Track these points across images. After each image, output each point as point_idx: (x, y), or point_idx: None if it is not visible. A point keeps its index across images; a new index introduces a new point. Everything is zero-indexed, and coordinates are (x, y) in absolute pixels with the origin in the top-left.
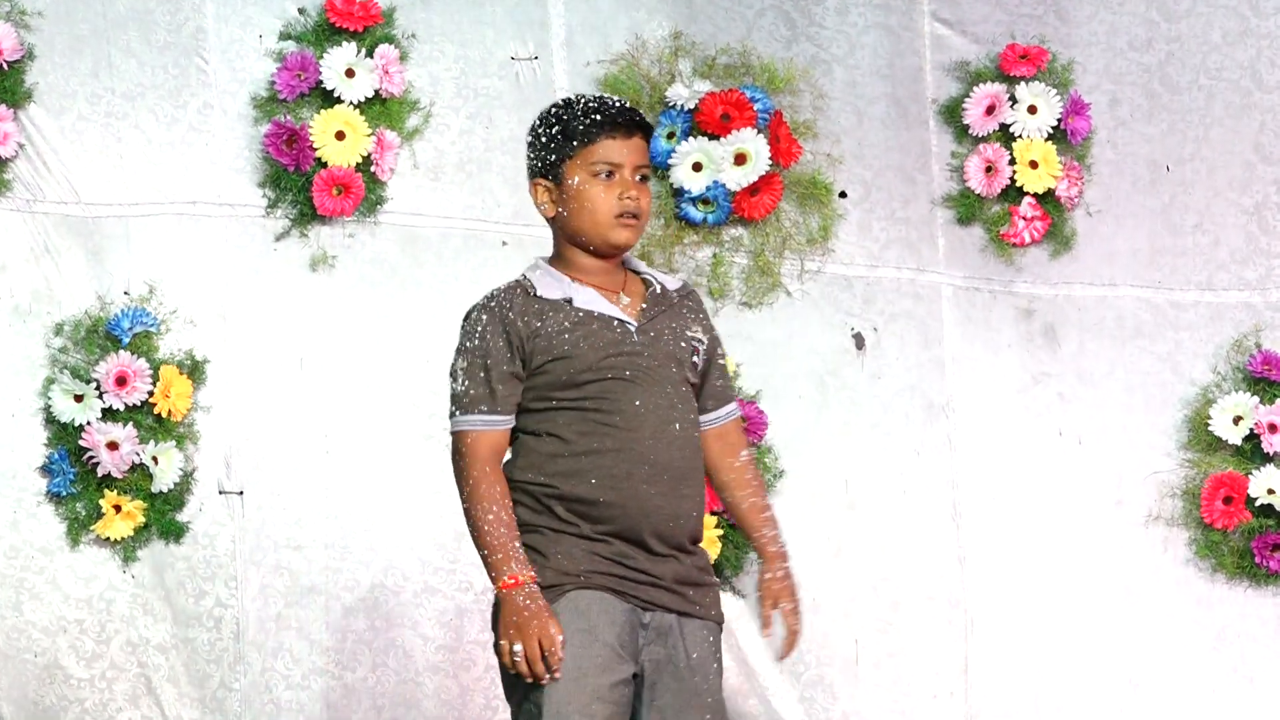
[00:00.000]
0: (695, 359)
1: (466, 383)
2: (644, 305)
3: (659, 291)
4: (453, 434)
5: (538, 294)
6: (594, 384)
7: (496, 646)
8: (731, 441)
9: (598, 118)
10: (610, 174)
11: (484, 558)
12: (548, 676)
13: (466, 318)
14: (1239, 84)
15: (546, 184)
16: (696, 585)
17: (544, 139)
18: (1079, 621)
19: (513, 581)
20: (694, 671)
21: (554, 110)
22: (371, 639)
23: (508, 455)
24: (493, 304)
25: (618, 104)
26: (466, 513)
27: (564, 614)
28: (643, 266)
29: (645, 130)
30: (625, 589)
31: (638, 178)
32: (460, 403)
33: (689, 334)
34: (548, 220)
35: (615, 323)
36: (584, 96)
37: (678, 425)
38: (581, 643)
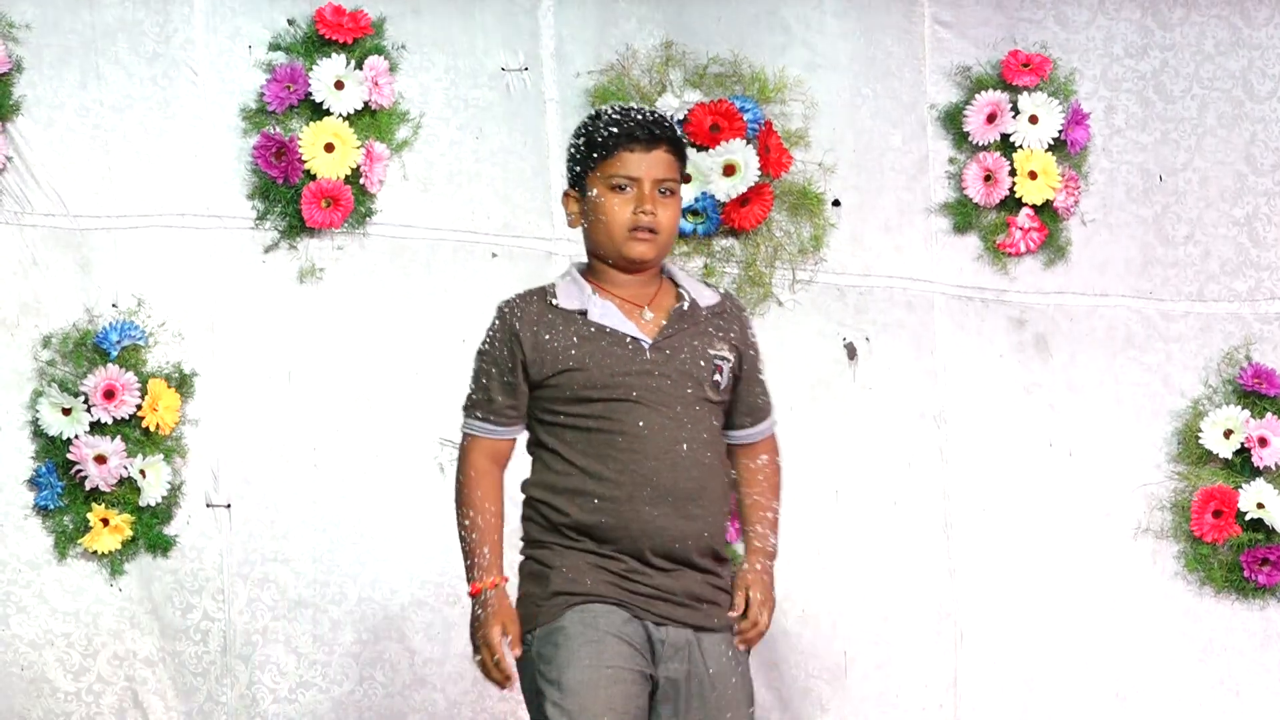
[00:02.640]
0: (717, 377)
1: (473, 385)
2: (664, 321)
3: (685, 308)
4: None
5: (555, 303)
6: (599, 403)
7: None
8: (758, 450)
9: (615, 130)
10: (628, 187)
11: (466, 552)
12: (507, 684)
13: (494, 316)
14: (1231, 94)
15: (574, 195)
16: (711, 601)
17: (573, 150)
18: (1068, 634)
19: (474, 590)
20: (714, 686)
21: (584, 122)
22: (359, 652)
23: (528, 472)
24: (507, 310)
25: (642, 115)
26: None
27: (573, 628)
28: (683, 279)
29: (672, 142)
30: (636, 603)
31: (659, 191)
32: (466, 404)
33: (711, 352)
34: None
35: (627, 340)
36: (613, 107)
37: (685, 446)
38: (591, 655)
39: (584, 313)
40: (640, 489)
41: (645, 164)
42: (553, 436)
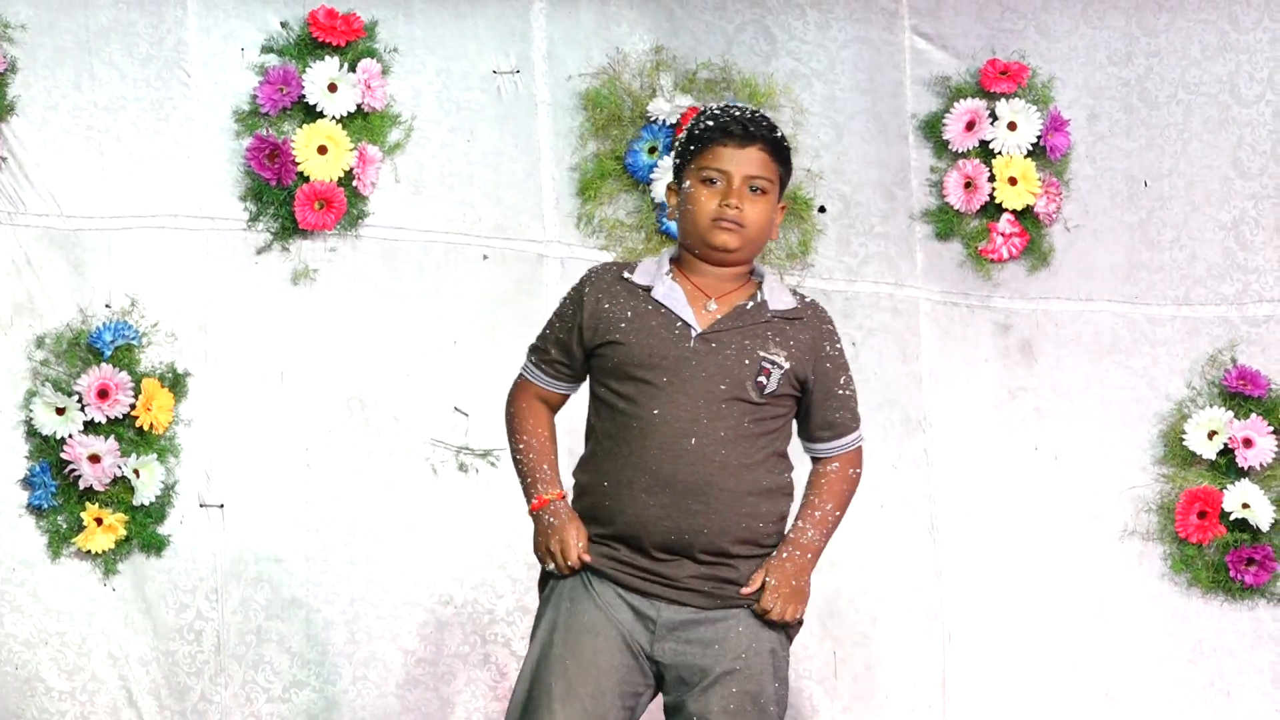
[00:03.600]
0: (762, 379)
1: (541, 331)
2: (722, 315)
3: (749, 306)
4: None
5: (629, 276)
6: (632, 382)
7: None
8: (832, 460)
9: (712, 124)
10: (716, 181)
11: (519, 472)
12: (574, 570)
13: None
14: (1217, 98)
15: (674, 188)
16: (720, 580)
17: (678, 146)
18: (1055, 635)
19: (537, 502)
20: (722, 661)
21: (693, 118)
22: (352, 652)
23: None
24: (588, 274)
25: (740, 112)
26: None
27: (564, 587)
28: (770, 283)
29: (768, 142)
30: (632, 583)
31: (750, 188)
32: (530, 346)
33: (761, 353)
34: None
35: (678, 323)
36: (716, 104)
37: (694, 440)
38: (570, 607)
39: (649, 289)
40: (639, 475)
41: (737, 160)
42: (594, 412)
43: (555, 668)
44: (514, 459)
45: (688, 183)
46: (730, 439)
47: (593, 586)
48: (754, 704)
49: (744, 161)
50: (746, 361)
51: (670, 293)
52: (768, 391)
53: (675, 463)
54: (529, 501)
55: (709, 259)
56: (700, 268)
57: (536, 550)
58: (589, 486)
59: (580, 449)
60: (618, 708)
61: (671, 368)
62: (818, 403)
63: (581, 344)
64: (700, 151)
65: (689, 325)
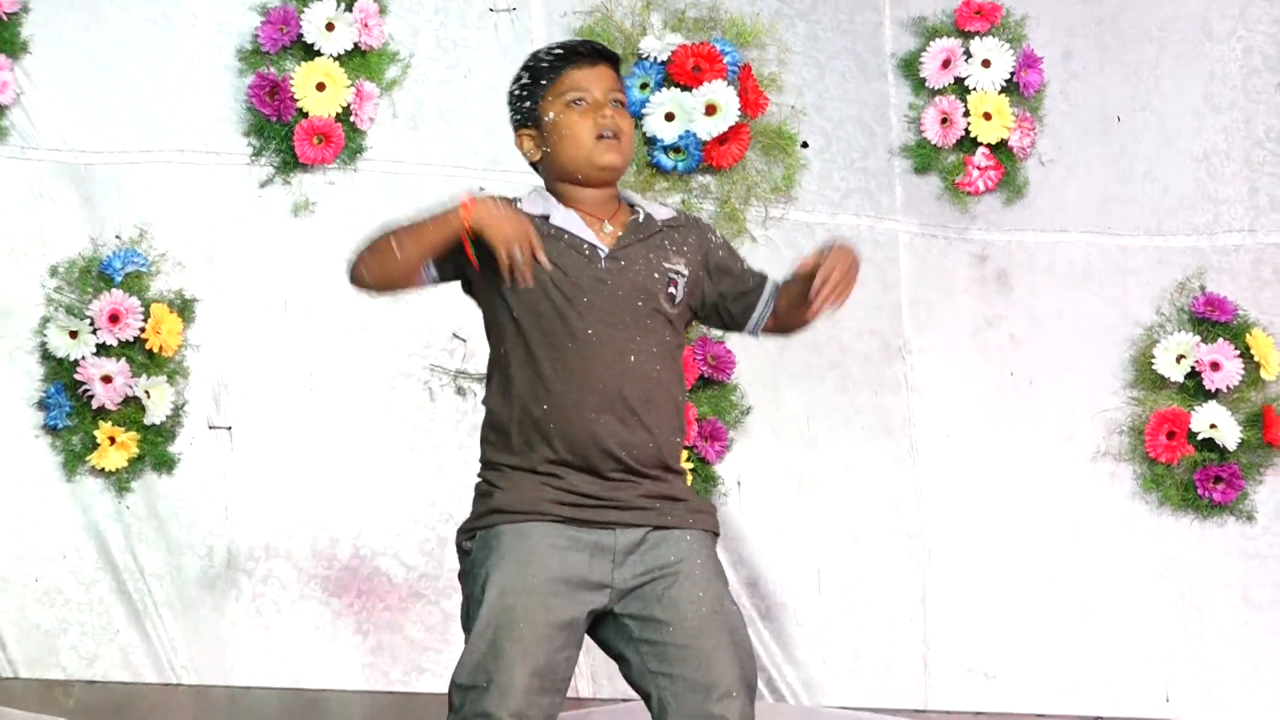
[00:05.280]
0: (672, 290)
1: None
2: (620, 234)
3: (640, 220)
4: None
5: (521, 207)
6: (551, 306)
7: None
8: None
9: (560, 52)
10: (582, 101)
11: (420, 231)
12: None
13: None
14: (1189, 35)
15: (528, 131)
16: (666, 498)
17: (517, 91)
18: (1031, 552)
19: (466, 201)
20: (681, 569)
21: (523, 63)
22: (357, 566)
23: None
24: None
25: (578, 40)
26: (375, 255)
27: (506, 539)
28: (637, 199)
29: (611, 60)
30: (582, 515)
31: (611, 101)
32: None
33: (666, 265)
34: (535, 167)
35: (585, 246)
36: (546, 45)
37: (633, 357)
38: (518, 564)
39: (546, 217)
40: (588, 394)
41: (593, 78)
42: (505, 342)
43: (509, 630)
44: (397, 233)
45: (550, 115)
46: (660, 354)
47: (539, 537)
48: (718, 601)
49: (600, 78)
50: (656, 275)
51: (568, 220)
52: (678, 301)
53: (620, 379)
54: (451, 213)
55: (593, 180)
56: (579, 194)
57: (485, 240)
58: (522, 416)
59: None
60: (570, 660)
61: (591, 288)
62: (730, 283)
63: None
64: (555, 81)
65: (596, 246)
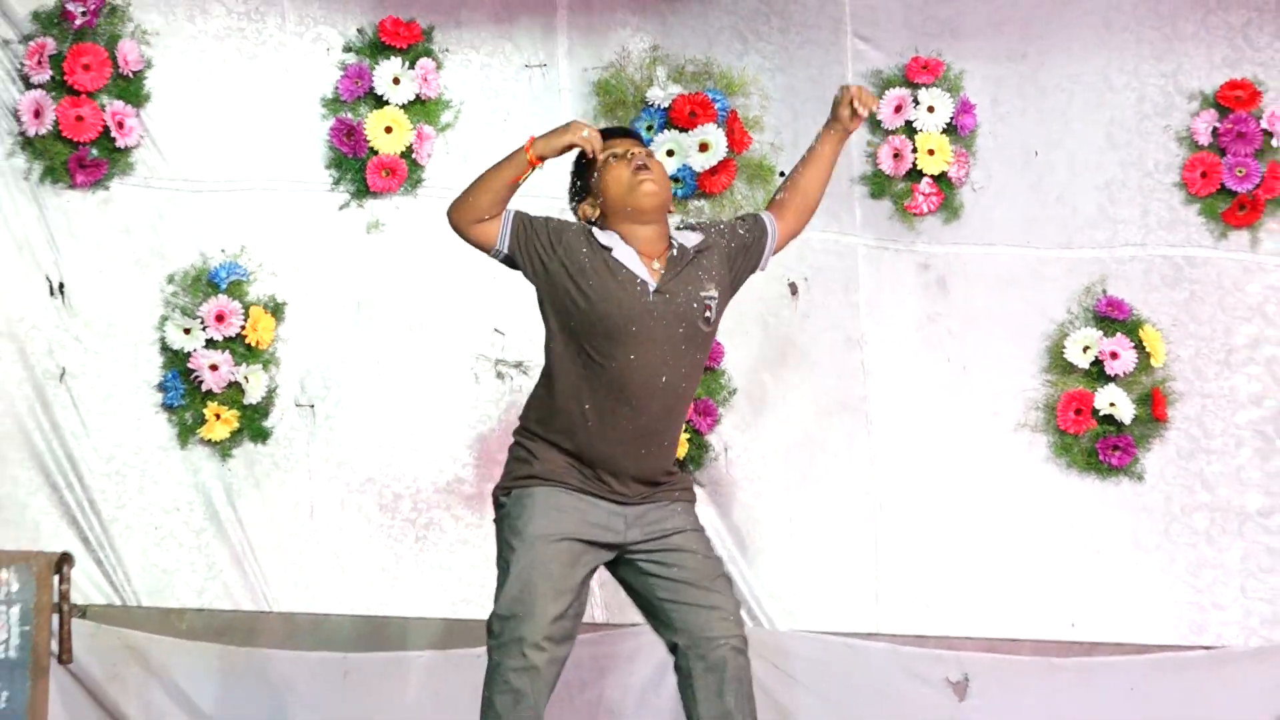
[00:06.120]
0: (708, 314)
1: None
2: (663, 270)
3: (675, 254)
4: None
5: (594, 235)
6: (602, 335)
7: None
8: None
9: (602, 131)
10: (617, 155)
11: (497, 170)
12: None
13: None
14: (1094, 86)
15: (585, 200)
16: (665, 484)
17: (574, 170)
18: (964, 505)
19: (529, 142)
20: (677, 534)
21: (574, 161)
22: (415, 517)
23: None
24: (555, 217)
25: (610, 126)
26: (464, 196)
27: (539, 497)
28: (678, 232)
29: (636, 135)
30: (601, 492)
31: (646, 155)
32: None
33: (703, 294)
34: (596, 225)
35: (639, 282)
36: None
37: (665, 378)
38: (550, 519)
39: (610, 249)
40: (621, 406)
41: (624, 143)
42: (558, 359)
43: (541, 570)
44: (479, 178)
45: (597, 175)
46: (688, 373)
47: (566, 499)
48: (707, 548)
49: (629, 143)
50: (694, 305)
51: (627, 255)
52: (713, 321)
53: (650, 397)
54: (518, 151)
55: (641, 207)
56: (637, 233)
57: (561, 137)
58: (563, 407)
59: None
60: (585, 597)
61: (639, 318)
62: (745, 255)
63: (549, 241)
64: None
65: (647, 282)
